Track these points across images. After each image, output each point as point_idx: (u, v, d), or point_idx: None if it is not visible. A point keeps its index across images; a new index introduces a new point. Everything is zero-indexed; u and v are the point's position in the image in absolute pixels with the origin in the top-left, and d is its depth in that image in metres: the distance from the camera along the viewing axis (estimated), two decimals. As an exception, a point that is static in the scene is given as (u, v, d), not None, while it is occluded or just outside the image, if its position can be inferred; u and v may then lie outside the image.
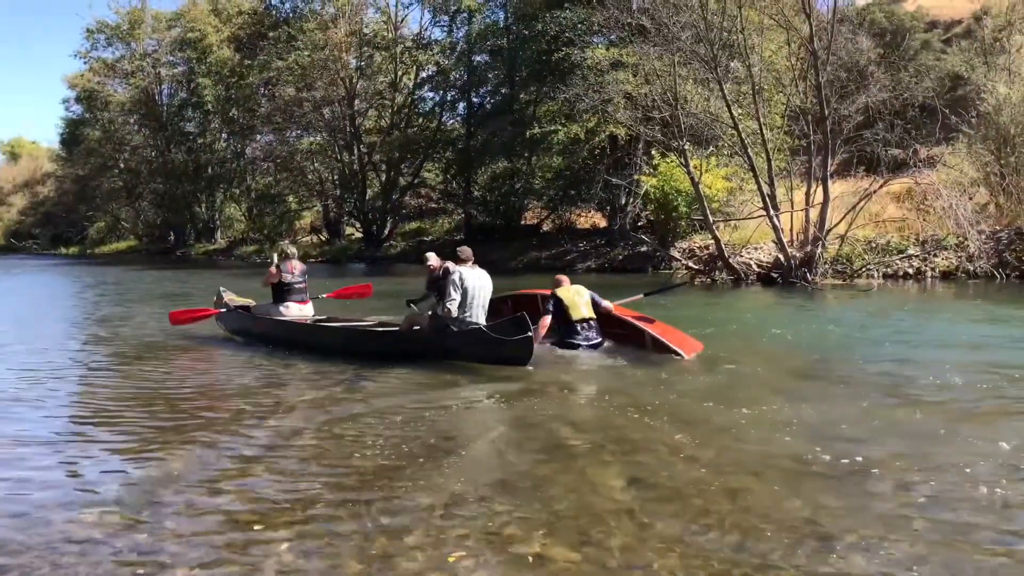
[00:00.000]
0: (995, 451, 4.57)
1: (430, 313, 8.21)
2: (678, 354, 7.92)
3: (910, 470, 4.25)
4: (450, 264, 8.44)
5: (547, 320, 8.37)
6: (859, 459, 4.39)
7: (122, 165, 53.45)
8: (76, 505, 3.83)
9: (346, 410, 5.87)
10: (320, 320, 9.78)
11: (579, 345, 8.19)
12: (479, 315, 7.85)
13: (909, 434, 5.03)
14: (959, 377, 6.66)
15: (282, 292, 9.40)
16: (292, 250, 9.76)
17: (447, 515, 3.64)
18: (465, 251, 8.21)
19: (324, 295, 10.54)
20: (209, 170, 49.36)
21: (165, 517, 3.66)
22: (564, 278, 8.85)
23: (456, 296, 7.73)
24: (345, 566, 3.14)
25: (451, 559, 3.18)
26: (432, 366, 7.55)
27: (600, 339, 8.32)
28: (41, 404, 6.28)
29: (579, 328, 8.26)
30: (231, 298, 10.28)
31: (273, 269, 9.48)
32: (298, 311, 9.42)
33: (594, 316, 8.38)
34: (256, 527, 3.54)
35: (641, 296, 9.60)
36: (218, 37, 44.99)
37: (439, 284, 8.29)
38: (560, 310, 8.34)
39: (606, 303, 8.62)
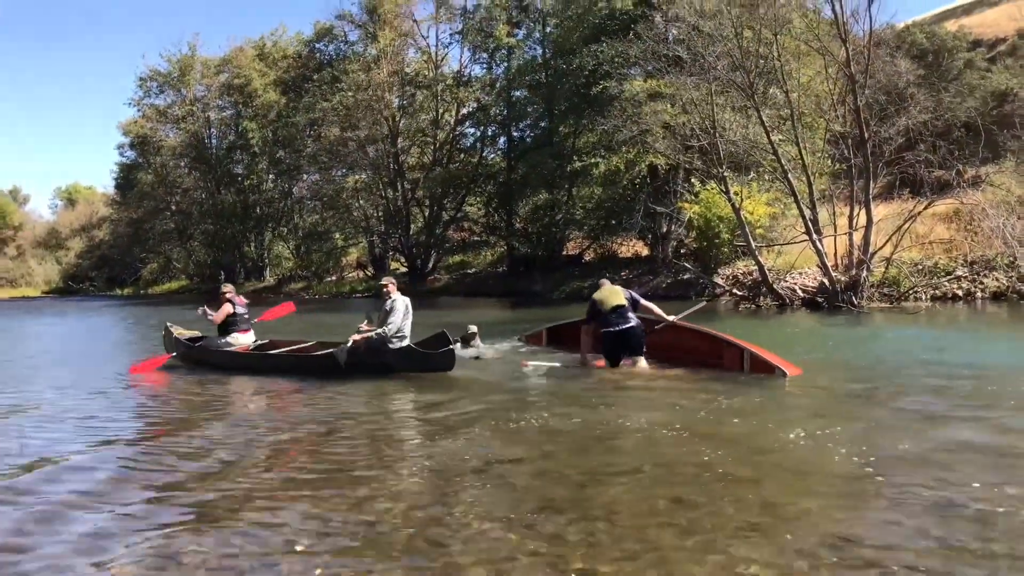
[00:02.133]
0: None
1: (375, 333, 9.25)
2: (783, 372, 8.07)
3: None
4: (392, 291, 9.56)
5: (585, 328, 9.39)
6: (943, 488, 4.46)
7: (174, 207, 54.98)
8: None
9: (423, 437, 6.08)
10: (262, 344, 11.07)
11: (612, 329, 8.88)
12: (407, 332, 9.32)
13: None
14: None
15: (227, 324, 10.74)
16: (231, 287, 11.23)
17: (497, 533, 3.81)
18: (393, 281, 9.71)
19: (255, 319, 11.41)
20: (257, 210, 50.57)
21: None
22: (605, 281, 9.70)
23: (396, 320, 9.18)
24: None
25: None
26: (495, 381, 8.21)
27: (633, 322, 8.92)
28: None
29: (611, 317, 8.94)
30: (179, 332, 11.40)
31: (228, 308, 10.73)
32: (242, 339, 10.79)
33: (625, 304, 9.02)
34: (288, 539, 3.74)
35: (675, 319, 9.68)
36: (263, 81, 46.36)
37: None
38: (596, 310, 9.11)
39: (646, 302, 9.41)
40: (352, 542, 3.80)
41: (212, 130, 52.44)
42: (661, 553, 3.54)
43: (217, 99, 51.12)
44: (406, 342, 9.22)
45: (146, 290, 58.98)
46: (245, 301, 11.26)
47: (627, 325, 8.89)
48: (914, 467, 4.74)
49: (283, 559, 3.59)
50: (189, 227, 55.10)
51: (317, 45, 44.30)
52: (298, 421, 6.88)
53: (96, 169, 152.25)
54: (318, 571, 3.44)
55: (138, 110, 53.39)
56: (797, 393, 7.54)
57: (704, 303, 11.47)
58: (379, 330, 9.19)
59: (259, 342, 11.15)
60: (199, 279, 56.03)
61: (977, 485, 4.32)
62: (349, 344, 9.38)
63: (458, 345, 10.26)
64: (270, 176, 50.15)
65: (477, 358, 10.45)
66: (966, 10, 47.96)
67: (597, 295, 9.26)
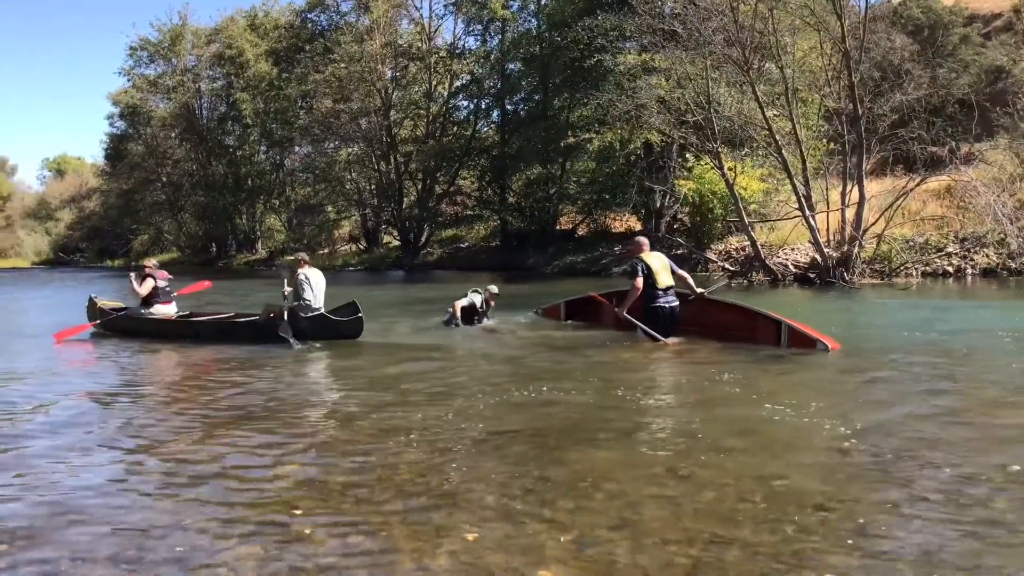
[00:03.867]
0: None
1: (284, 304, 10.09)
2: (824, 346, 8.01)
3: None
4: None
5: (639, 282, 8.84)
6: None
7: (164, 179, 54.70)
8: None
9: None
10: (183, 315, 11.64)
11: (661, 308, 8.79)
12: (320, 303, 10.17)
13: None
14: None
15: (149, 297, 11.38)
16: (154, 262, 12.01)
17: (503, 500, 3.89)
18: (305, 256, 10.59)
19: (175, 293, 11.90)
20: (249, 182, 50.34)
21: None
22: (645, 242, 9.30)
23: (308, 292, 10.09)
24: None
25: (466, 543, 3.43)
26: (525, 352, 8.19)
27: (677, 302, 8.90)
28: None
29: (660, 293, 8.82)
30: (103, 303, 11.92)
31: (151, 282, 11.32)
32: (164, 309, 11.41)
33: (673, 284, 8.93)
34: (296, 511, 3.82)
35: (704, 292, 9.67)
36: (255, 52, 45.94)
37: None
38: (648, 279, 8.82)
39: (681, 271, 9.25)
40: (346, 508, 3.87)
41: (203, 101, 52.04)
42: (653, 524, 3.62)
43: (208, 69, 50.70)
44: (319, 311, 10.09)
45: (137, 261, 58.75)
46: (167, 275, 11.85)
47: (675, 303, 8.86)
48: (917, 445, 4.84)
49: (276, 522, 3.65)
50: (180, 199, 54.87)
51: (309, 15, 43.87)
52: (274, 390, 6.96)
53: (85, 140, 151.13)
54: (308, 531, 3.52)
55: (128, 80, 53.06)
56: (820, 367, 7.58)
57: (726, 281, 11.43)
58: (295, 302, 10.08)
59: (180, 314, 11.73)
60: (190, 251, 55.88)
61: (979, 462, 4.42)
62: (261, 317, 10.18)
63: (474, 298, 11.03)
64: (262, 148, 49.88)
65: (493, 330, 10.63)
66: (962, -15, 47.72)
67: (650, 261, 8.90)
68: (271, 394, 6.89)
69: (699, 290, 9.31)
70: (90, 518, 3.80)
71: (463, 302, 11.05)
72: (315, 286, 10.19)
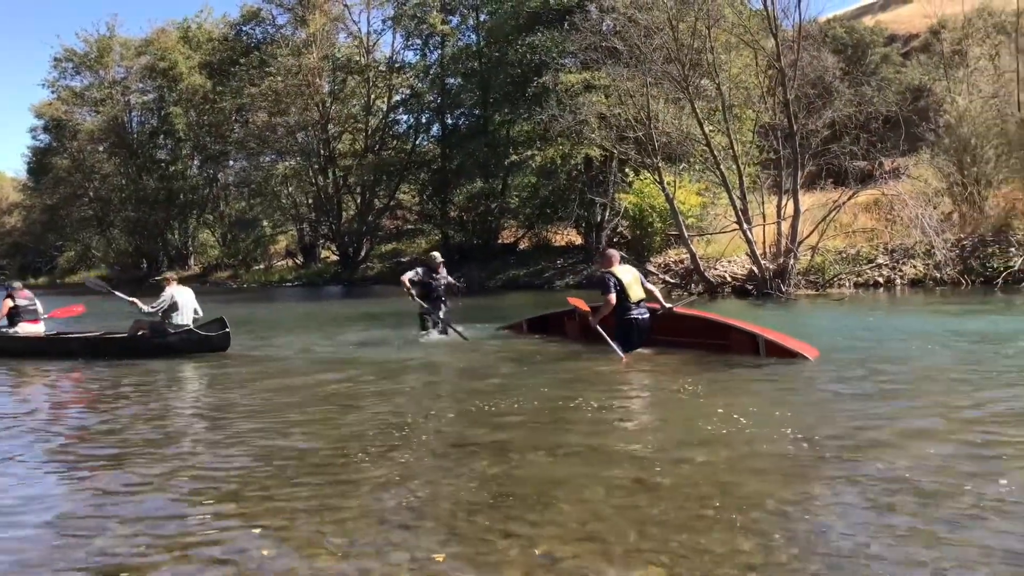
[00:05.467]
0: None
1: (155, 319, 10.63)
2: (804, 357, 8.16)
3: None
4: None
5: (612, 298, 8.87)
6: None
7: (92, 194, 53.10)
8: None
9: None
10: (51, 335, 11.87)
11: (633, 320, 8.88)
12: (188, 319, 10.69)
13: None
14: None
15: (12, 316, 11.53)
16: (18, 284, 12.34)
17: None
18: (172, 275, 11.28)
19: (46, 315, 12.10)
20: (182, 197, 49.18)
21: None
22: (615, 255, 9.33)
23: (178, 309, 10.62)
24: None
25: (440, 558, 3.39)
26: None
27: (648, 315, 9.00)
28: None
29: (632, 307, 8.91)
30: None
31: (8, 302, 11.49)
32: (30, 328, 11.58)
33: (644, 297, 9.04)
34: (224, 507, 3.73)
35: (671, 307, 9.72)
36: (188, 64, 45.02)
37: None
38: (621, 292, 8.88)
39: (649, 284, 9.34)
40: (313, 527, 3.79)
41: (133, 114, 50.77)
42: (620, 535, 3.64)
43: (138, 82, 49.49)
44: (187, 326, 10.64)
45: (63, 279, 56.78)
46: (29, 295, 12.01)
47: (646, 316, 8.97)
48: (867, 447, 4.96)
49: (247, 544, 3.56)
50: (109, 214, 53.29)
51: (244, 28, 43.17)
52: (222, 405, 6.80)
53: (5, 153, 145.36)
54: (266, 552, 3.43)
55: (52, 91, 51.36)
56: (778, 376, 7.69)
57: (696, 297, 11.69)
58: (163, 319, 10.57)
59: (49, 334, 11.94)
60: (120, 267, 54.25)
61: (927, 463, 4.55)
62: (129, 333, 10.76)
63: (419, 270, 11.33)
64: (195, 162, 48.84)
65: (453, 343, 10.75)
66: (882, 6, 49.74)
67: (621, 276, 8.93)
68: (211, 409, 6.72)
69: (667, 304, 9.43)
70: None
71: (410, 275, 11.28)
72: (183, 303, 10.72)
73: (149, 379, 8.93)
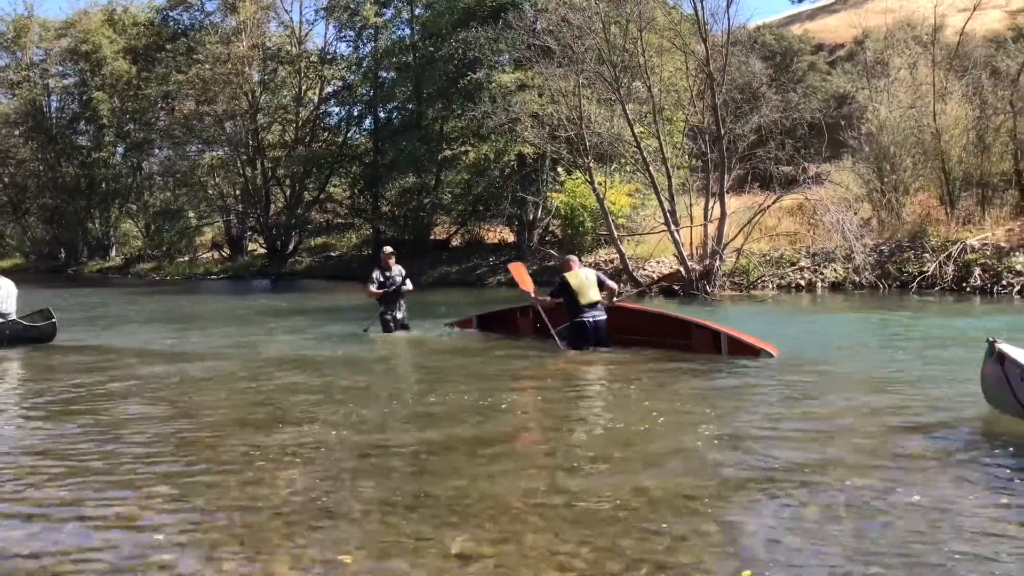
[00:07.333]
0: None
1: None
2: (769, 355, 8.30)
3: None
4: None
5: (548, 299, 9.44)
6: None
7: (6, 180, 50.90)
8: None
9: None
10: None
11: (586, 322, 9.05)
12: (12, 311, 10.86)
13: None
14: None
15: None
16: None
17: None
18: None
19: None
20: (103, 185, 47.38)
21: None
22: (574, 260, 9.63)
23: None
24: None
25: (347, 560, 3.34)
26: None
27: (604, 316, 9.16)
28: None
29: (585, 308, 9.08)
30: None
31: None
32: None
33: (601, 299, 9.17)
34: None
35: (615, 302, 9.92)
36: (112, 49, 43.44)
37: None
38: (568, 293, 9.15)
39: (611, 283, 9.62)
40: (227, 531, 3.69)
41: (52, 98, 48.75)
42: (536, 536, 3.63)
43: (58, 64, 47.55)
44: (9, 315, 10.76)
45: (-29, 268, 54.32)
46: None
47: (601, 317, 9.07)
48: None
49: (149, 550, 3.44)
50: (25, 201, 51.14)
51: (171, 13, 41.84)
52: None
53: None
54: (170, 557, 3.33)
55: (-36, 72, 48.92)
56: (712, 375, 7.79)
57: (634, 292, 12.33)
58: None
59: None
60: (36, 257, 52.14)
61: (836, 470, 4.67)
62: None
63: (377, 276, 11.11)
64: (118, 150, 47.16)
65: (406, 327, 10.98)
66: (810, 16, 51.19)
67: (572, 281, 9.17)
68: (103, 400, 6.49)
69: (614, 300, 9.65)
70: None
71: (372, 287, 11.15)
72: (5, 295, 10.86)
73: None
